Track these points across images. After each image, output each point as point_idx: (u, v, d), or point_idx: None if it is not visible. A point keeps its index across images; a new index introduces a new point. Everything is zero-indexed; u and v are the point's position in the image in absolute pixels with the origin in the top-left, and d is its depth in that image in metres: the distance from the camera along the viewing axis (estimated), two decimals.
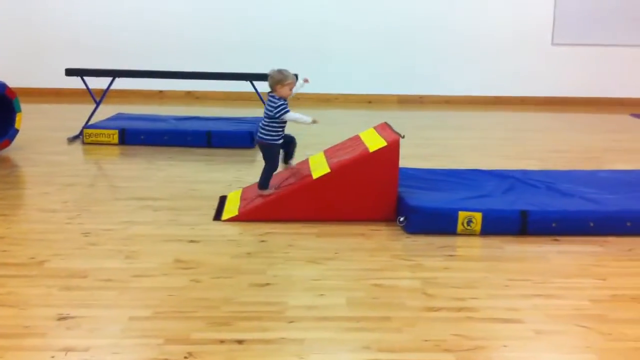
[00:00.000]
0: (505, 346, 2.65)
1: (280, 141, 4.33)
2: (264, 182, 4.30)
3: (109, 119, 6.83)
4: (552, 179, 4.76)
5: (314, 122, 4.32)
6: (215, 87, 9.00)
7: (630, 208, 4.11)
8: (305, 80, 4.58)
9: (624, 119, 8.54)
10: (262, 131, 4.29)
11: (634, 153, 6.49)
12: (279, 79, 4.22)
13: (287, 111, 4.22)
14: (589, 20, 9.46)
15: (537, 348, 2.65)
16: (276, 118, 4.22)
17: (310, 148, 6.00)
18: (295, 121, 4.27)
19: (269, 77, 4.26)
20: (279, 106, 4.20)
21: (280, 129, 4.30)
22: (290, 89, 4.29)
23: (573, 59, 9.58)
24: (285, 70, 4.27)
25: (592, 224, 3.99)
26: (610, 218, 4.02)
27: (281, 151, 4.40)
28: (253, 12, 9.34)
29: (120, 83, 7.14)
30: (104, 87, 6.75)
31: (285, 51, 9.26)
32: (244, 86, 6.97)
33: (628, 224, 4.00)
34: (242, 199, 4.39)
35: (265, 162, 4.32)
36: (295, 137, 4.46)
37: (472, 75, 9.53)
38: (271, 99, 4.27)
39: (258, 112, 7.38)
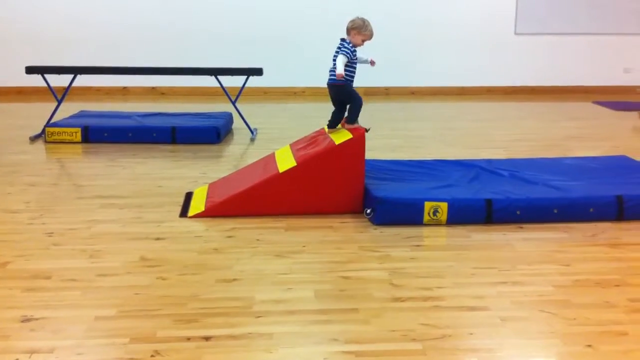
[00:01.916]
0: (471, 334, 2.67)
1: (351, 80, 4.28)
2: (353, 118, 4.29)
3: (71, 117, 6.73)
4: (517, 168, 4.82)
5: (350, 85, 4.30)
6: (180, 82, 8.93)
7: (593, 194, 4.17)
8: (372, 62, 4.47)
9: (586, 107, 8.66)
10: (333, 73, 4.25)
11: (597, 140, 6.59)
12: (359, 25, 4.22)
13: (343, 53, 4.20)
14: (550, 9, 9.57)
15: (503, 334, 2.67)
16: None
17: (276, 141, 6.00)
18: (341, 71, 4.19)
19: (350, 21, 4.26)
20: (341, 47, 4.19)
21: (351, 71, 4.28)
22: (364, 41, 4.27)
23: (536, 48, 9.68)
24: (369, 22, 4.26)
25: (556, 211, 4.04)
26: (573, 205, 4.07)
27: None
28: (218, 5, 9.26)
29: (83, 80, 7.04)
30: (67, 84, 6.65)
31: (250, 45, 9.23)
32: (210, 81, 6.91)
33: (591, 210, 4.06)
34: (209, 194, 4.36)
35: (347, 102, 4.27)
36: (360, 99, 4.35)
37: (438, 66, 9.58)
38: (342, 42, 4.27)
39: (224, 107, 7.36)
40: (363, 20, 4.27)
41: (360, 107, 4.34)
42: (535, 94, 9.65)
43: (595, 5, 9.56)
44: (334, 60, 4.27)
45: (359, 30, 4.23)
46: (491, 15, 9.55)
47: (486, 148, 6.01)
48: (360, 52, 4.39)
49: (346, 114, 4.38)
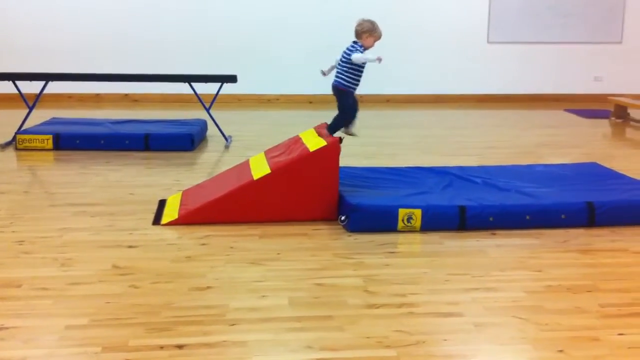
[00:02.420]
0: (445, 340, 2.68)
1: (356, 89, 4.28)
2: (332, 130, 4.28)
3: (43, 124, 6.65)
4: (489, 175, 4.86)
5: (379, 59, 4.29)
6: (153, 89, 8.87)
7: (565, 201, 4.22)
8: (379, 60, 4.42)
9: (558, 115, 8.77)
10: (340, 76, 4.26)
11: (569, 147, 6.67)
12: (369, 29, 4.27)
13: (358, 51, 4.26)
14: (522, 18, 9.69)
15: (476, 340, 2.69)
16: (353, 63, 4.21)
17: (250, 149, 5.98)
18: (365, 61, 4.24)
19: (357, 24, 4.30)
20: (355, 48, 4.21)
21: (357, 76, 4.30)
22: (375, 42, 4.30)
23: (508, 56, 9.79)
24: (376, 23, 4.31)
25: (528, 217, 4.08)
26: (545, 211, 4.12)
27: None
28: (191, 13, 9.24)
29: (55, 87, 6.96)
30: (38, 91, 6.57)
31: (224, 51, 9.21)
32: (183, 88, 6.88)
33: (563, 216, 4.11)
34: (182, 202, 4.34)
35: (339, 110, 4.24)
36: (351, 114, 4.37)
37: (412, 74, 9.63)
38: (353, 44, 4.29)
39: (197, 113, 7.33)
40: (371, 22, 4.34)
41: (344, 122, 4.33)
42: (508, 101, 9.74)
43: (566, 14, 9.70)
44: (342, 62, 4.26)
45: (370, 32, 4.29)
46: (465, 24, 9.64)
47: (460, 155, 6.05)
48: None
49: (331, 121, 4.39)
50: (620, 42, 9.89)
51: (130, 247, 3.69)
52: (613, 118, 8.24)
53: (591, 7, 9.72)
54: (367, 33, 4.29)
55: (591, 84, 9.92)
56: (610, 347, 2.63)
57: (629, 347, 2.63)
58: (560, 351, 2.59)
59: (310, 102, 9.44)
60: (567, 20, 9.73)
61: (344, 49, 4.44)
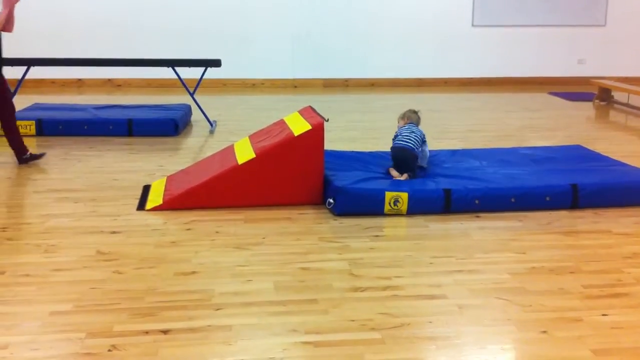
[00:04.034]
0: (430, 322, 2.70)
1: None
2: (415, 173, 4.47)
3: (25, 110, 6.59)
4: (474, 157, 4.87)
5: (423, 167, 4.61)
6: (136, 74, 8.80)
7: (549, 183, 4.24)
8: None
9: (542, 97, 8.80)
10: (410, 141, 4.44)
11: (553, 130, 6.70)
12: (417, 119, 4.80)
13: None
14: (506, 1, 9.68)
15: (460, 322, 2.70)
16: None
17: (235, 134, 5.96)
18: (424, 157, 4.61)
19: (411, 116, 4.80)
20: (423, 137, 4.59)
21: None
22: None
23: (492, 40, 9.79)
24: (408, 112, 4.83)
25: (513, 200, 4.10)
26: (530, 193, 4.14)
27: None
28: None
29: (37, 72, 6.89)
30: (20, 76, 6.49)
31: (208, 36, 9.15)
32: (167, 73, 6.83)
33: (547, 198, 4.13)
34: (167, 187, 4.31)
35: (409, 171, 4.39)
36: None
37: (396, 58, 9.62)
38: (416, 128, 4.65)
39: (181, 98, 7.28)
40: (417, 114, 4.85)
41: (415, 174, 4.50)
42: (491, 85, 9.76)
43: None
44: (410, 133, 4.50)
45: (418, 122, 4.80)
46: (450, 7, 9.63)
47: (444, 139, 6.06)
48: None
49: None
50: (604, 25, 9.92)
51: (114, 232, 3.67)
52: (597, 101, 8.27)
53: None
54: (418, 121, 4.81)
55: (575, 67, 9.96)
56: (593, 328, 2.65)
57: (612, 327, 2.66)
58: (544, 332, 2.62)
59: (295, 87, 9.41)
60: (551, 4, 9.74)
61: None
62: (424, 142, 4.61)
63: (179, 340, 2.54)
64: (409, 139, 4.48)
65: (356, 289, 2.99)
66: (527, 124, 6.99)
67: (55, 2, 9.01)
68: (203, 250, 3.44)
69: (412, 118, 4.80)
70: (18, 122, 6.01)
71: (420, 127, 4.73)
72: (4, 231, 3.67)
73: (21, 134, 5.16)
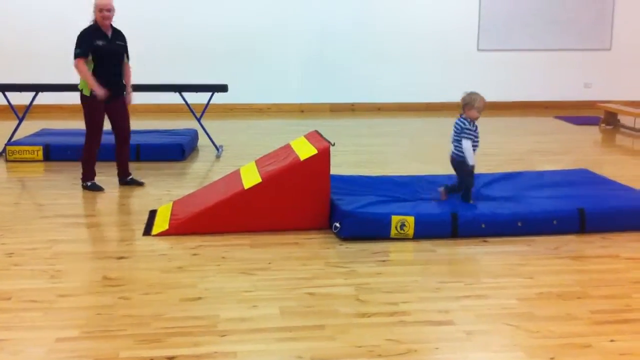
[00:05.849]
0: (437, 348, 2.68)
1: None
2: (466, 198, 4.34)
3: (33, 135, 6.64)
4: (481, 182, 4.86)
5: (472, 167, 4.36)
6: (144, 99, 8.83)
7: (557, 207, 4.22)
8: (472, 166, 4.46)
9: (548, 121, 8.80)
10: (457, 149, 4.34)
11: (559, 154, 6.69)
12: (467, 102, 4.34)
13: (466, 137, 4.31)
14: (512, 25, 9.73)
15: (467, 348, 2.68)
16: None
17: (241, 158, 5.97)
18: (466, 158, 4.32)
19: (461, 99, 4.40)
20: (462, 130, 4.30)
21: (473, 147, 4.35)
22: (478, 113, 4.36)
23: (498, 64, 9.82)
24: (474, 93, 4.40)
25: (520, 224, 4.09)
26: (537, 218, 4.12)
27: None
28: (183, 22, 9.23)
29: (45, 97, 6.94)
30: (28, 102, 6.54)
31: (216, 60, 9.20)
32: (174, 98, 6.87)
33: (554, 222, 4.11)
34: (173, 212, 4.32)
35: (460, 179, 4.36)
36: (472, 182, 4.40)
37: (403, 82, 9.65)
38: (461, 119, 4.36)
39: (188, 123, 7.31)
40: (469, 94, 4.42)
41: (470, 188, 4.39)
42: (498, 109, 9.76)
43: (555, 21, 9.75)
44: (457, 139, 4.34)
45: (470, 105, 4.34)
46: (455, 32, 9.67)
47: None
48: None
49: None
50: (609, 49, 9.94)
51: (120, 258, 3.67)
52: (603, 125, 8.27)
53: (580, 14, 9.77)
54: (467, 106, 4.36)
55: (581, 91, 9.96)
56: (601, 354, 2.63)
57: (620, 354, 2.63)
58: (552, 358, 2.59)
59: (302, 111, 9.45)
60: (556, 28, 9.78)
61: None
62: (462, 134, 4.30)
63: None
64: (454, 141, 4.37)
65: (363, 315, 2.97)
66: (533, 148, 6.98)
67: (64, 28, 9.08)
68: (209, 275, 3.44)
69: (463, 104, 4.39)
70: (26, 148, 6.08)
71: (470, 107, 4.33)
72: (10, 256, 3.68)
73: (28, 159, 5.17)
